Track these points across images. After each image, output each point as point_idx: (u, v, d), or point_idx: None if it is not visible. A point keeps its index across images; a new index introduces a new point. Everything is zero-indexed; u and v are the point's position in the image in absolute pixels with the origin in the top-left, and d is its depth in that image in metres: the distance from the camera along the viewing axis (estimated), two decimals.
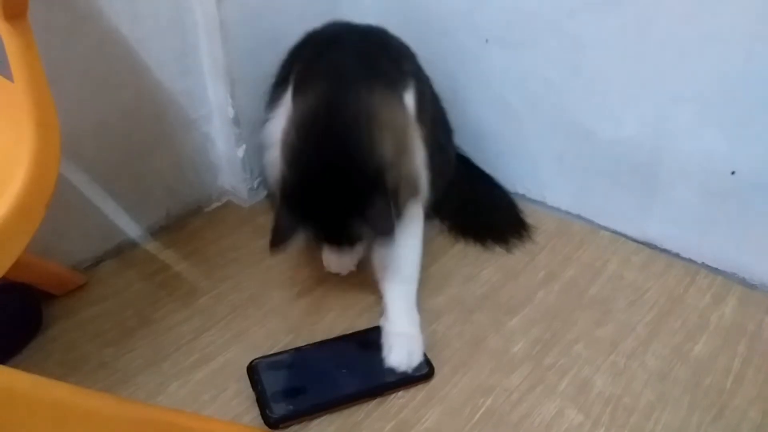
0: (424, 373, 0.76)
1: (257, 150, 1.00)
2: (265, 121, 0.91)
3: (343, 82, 0.75)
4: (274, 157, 0.82)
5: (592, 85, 0.95)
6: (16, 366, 0.78)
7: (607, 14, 0.89)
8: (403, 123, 0.79)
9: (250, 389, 0.75)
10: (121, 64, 0.89)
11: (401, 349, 0.77)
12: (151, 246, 1.00)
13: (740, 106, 0.83)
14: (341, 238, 0.76)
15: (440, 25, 1.07)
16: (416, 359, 0.77)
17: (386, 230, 0.71)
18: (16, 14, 0.41)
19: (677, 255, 0.97)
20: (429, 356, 0.79)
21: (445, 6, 1.05)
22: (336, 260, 0.91)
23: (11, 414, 0.46)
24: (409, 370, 0.76)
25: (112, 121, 0.91)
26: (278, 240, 0.72)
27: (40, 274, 0.87)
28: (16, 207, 0.44)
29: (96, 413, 0.52)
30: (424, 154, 0.83)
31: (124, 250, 0.98)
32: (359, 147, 0.71)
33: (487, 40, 1.03)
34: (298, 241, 0.75)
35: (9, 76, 0.51)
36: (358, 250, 0.82)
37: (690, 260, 0.96)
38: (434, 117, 0.94)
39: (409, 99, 0.83)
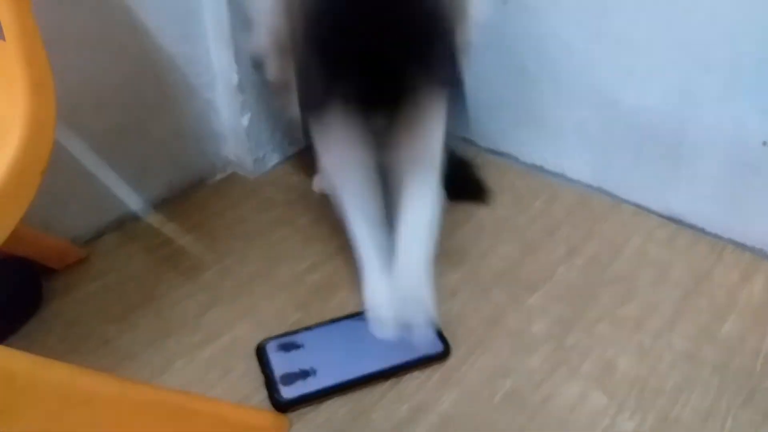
0: (439, 352, 0.73)
1: (259, 93, 0.96)
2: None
3: None
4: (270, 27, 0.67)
5: (616, 50, 0.90)
6: (16, 342, 0.76)
7: None
8: None
9: (259, 369, 0.72)
10: (120, 26, 0.84)
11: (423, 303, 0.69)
12: (154, 219, 0.96)
13: None
14: (394, 97, 0.59)
15: None
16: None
17: (452, 80, 0.58)
18: None
19: (703, 230, 0.93)
20: (445, 335, 0.75)
21: None
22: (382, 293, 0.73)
23: (11, 396, 0.42)
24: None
25: (111, 86, 0.86)
26: (314, 101, 0.55)
27: (39, 248, 0.84)
28: (10, 172, 0.41)
29: (99, 395, 0.49)
30: None
31: (125, 223, 0.95)
32: None
33: (504, 1, 0.97)
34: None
35: (0, 35, 0.47)
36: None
37: (717, 235, 0.92)
38: None
39: None
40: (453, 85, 0.58)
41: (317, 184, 0.97)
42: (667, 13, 0.83)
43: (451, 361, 0.74)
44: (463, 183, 0.95)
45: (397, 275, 0.72)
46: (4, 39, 0.45)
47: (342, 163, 0.72)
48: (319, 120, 0.56)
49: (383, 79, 0.57)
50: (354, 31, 0.53)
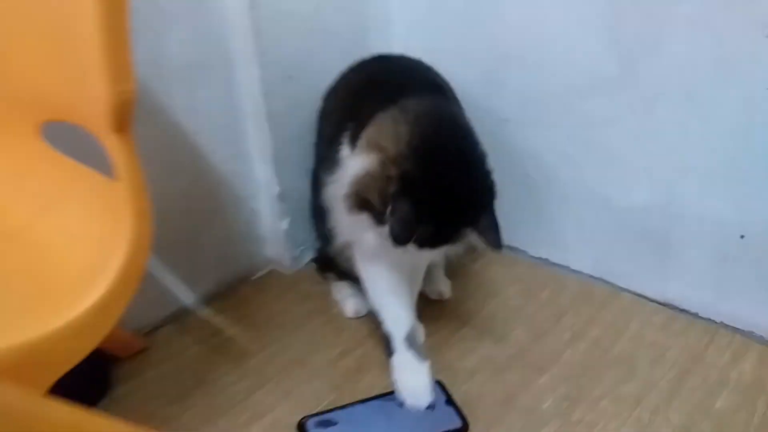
0: (458, 427, 0.82)
1: (308, 216, 1.10)
2: (324, 184, 0.90)
3: (436, 103, 0.84)
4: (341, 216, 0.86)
5: (605, 158, 1.04)
6: None
7: (615, 96, 0.99)
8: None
9: None
10: (180, 151, 1.01)
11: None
12: (204, 312, 1.09)
13: (744, 174, 0.91)
14: (443, 242, 0.78)
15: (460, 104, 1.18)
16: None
17: (497, 242, 0.77)
18: (123, 127, 0.52)
19: (696, 315, 1.02)
20: (464, 412, 0.84)
21: (463, 90, 1.16)
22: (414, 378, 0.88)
23: None
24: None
25: (172, 200, 1.01)
26: (405, 234, 0.72)
27: (108, 338, 0.96)
28: (119, 280, 0.54)
29: None
30: None
31: (180, 316, 1.08)
32: (478, 155, 0.78)
33: (506, 120, 1.13)
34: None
35: (109, 174, 0.62)
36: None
37: (709, 319, 1.01)
38: None
39: None
40: (497, 246, 0.78)
41: (350, 308, 1.05)
42: (646, 127, 0.98)
43: None
44: None
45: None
46: (112, 178, 0.60)
47: (383, 275, 0.91)
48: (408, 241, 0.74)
49: (444, 231, 0.77)
50: (435, 201, 0.74)
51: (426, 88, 0.89)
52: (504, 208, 1.19)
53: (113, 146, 0.52)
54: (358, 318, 1.04)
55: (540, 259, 1.19)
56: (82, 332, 0.54)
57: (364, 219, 0.79)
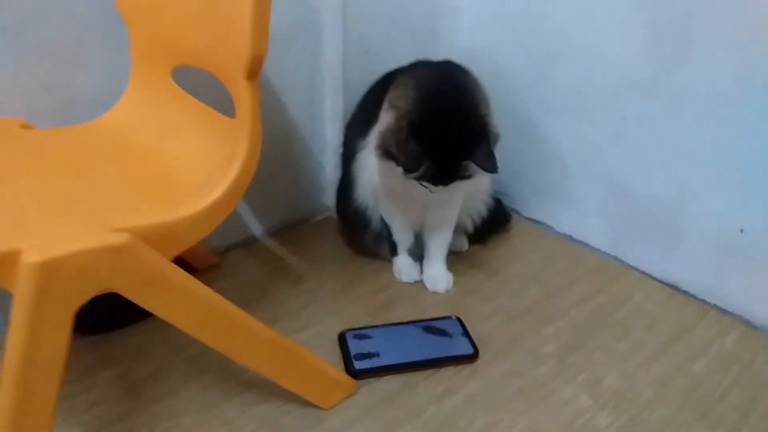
0: (470, 353, 0.99)
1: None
2: (357, 150, 1.12)
3: (444, 70, 1.05)
4: (369, 176, 1.11)
5: (631, 151, 1.18)
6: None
7: (646, 98, 1.12)
8: (485, 93, 1.03)
9: (339, 351, 1.00)
10: (267, 104, 1.20)
11: (444, 281, 1.16)
12: (269, 242, 1.29)
13: (748, 176, 1.04)
14: (451, 177, 0.96)
15: (512, 90, 1.33)
16: (450, 285, 1.16)
17: (491, 167, 0.93)
18: (253, 76, 0.70)
19: (694, 296, 1.16)
20: (476, 343, 1.01)
21: (515, 79, 1.32)
22: (406, 270, 1.18)
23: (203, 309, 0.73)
24: (445, 292, 1.15)
25: None
26: (413, 165, 0.92)
27: (192, 251, 1.16)
28: (229, 190, 0.73)
29: (252, 327, 0.79)
30: None
31: (248, 242, 1.28)
32: (470, 105, 0.97)
33: (549, 108, 1.28)
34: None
35: (227, 114, 0.80)
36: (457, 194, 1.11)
37: (704, 301, 1.15)
38: None
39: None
40: (492, 170, 0.94)
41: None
42: (669, 127, 1.11)
43: (478, 362, 1.00)
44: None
45: (429, 263, 1.19)
46: (233, 118, 0.77)
47: (399, 202, 1.14)
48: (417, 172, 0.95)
49: (448, 165, 0.95)
50: (433, 140, 0.93)
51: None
52: (537, 186, 1.36)
53: (243, 90, 0.70)
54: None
55: (564, 234, 1.34)
56: (200, 222, 0.73)
57: (389, 166, 1.00)
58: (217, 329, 0.76)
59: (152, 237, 0.68)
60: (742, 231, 1.07)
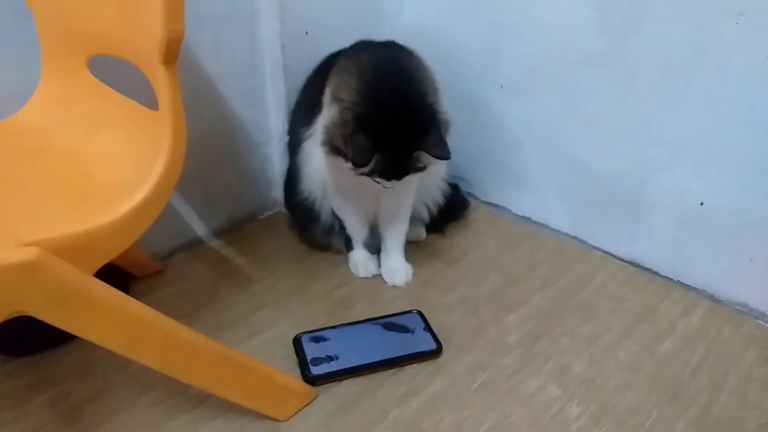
0: (433, 349, 0.94)
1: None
2: (302, 140, 1.06)
3: (388, 55, 0.98)
4: (316, 167, 1.04)
5: (587, 127, 1.15)
6: None
7: (601, 70, 1.09)
8: (433, 77, 0.98)
9: (295, 355, 0.94)
10: (203, 94, 1.11)
11: (403, 274, 1.10)
12: (215, 243, 1.21)
13: (706, 147, 1.01)
14: (404, 171, 0.91)
15: (462, 70, 1.28)
16: (409, 277, 1.11)
17: (444, 153, 0.89)
18: (171, 60, 0.62)
19: (657, 273, 1.14)
20: (439, 338, 0.96)
21: (465, 57, 1.26)
22: (363, 265, 1.12)
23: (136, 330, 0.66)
24: (404, 285, 1.10)
25: (193, 139, 1.08)
26: (363, 158, 0.87)
27: (130, 258, 1.08)
28: (157, 187, 0.65)
29: (192, 343, 0.72)
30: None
31: (193, 245, 1.20)
32: (417, 94, 0.91)
33: (501, 86, 1.23)
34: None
35: (152, 107, 0.72)
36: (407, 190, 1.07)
37: (667, 278, 1.12)
38: None
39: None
40: (444, 156, 0.89)
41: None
42: (625, 101, 1.08)
43: (442, 358, 0.95)
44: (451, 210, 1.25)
45: (386, 255, 1.13)
46: (156, 110, 0.69)
47: (351, 197, 1.08)
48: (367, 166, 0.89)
49: (399, 158, 0.90)
50: (381, 132, 0.88)
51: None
52: (493, 169, 1.31)
53: (161, 77, 0.62)
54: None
55: (523, 217, 1.30)
56: (123, 229, 0.65)
57: (337, 161, 0.93)
58: (151, 346, 0.69)
59: (67, 249, 0.60)
60: (702, 204, 1.05)
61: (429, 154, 0.89)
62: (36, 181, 0.72)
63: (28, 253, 0.56)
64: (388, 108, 0.89)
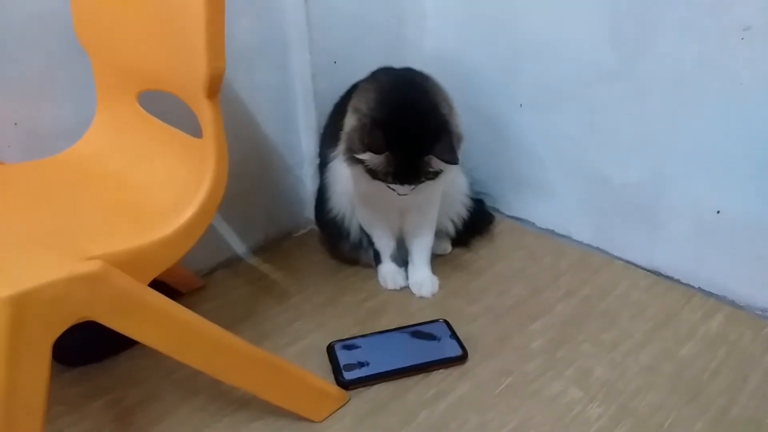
0: (459, 355, 0.99)
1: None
2: (329, 161, 1.13)
3: (405, 75, 1.06)
4: (343, 185, 1.12)
5: (605, 140, 1.19)
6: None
7: (615, 84, 1.13)
8: (447, 96, 1.04)
9: (328, 363, 1.00)
10: (241, 122, 1.20)
11: (429, 285, 1.16)
12: (253, 260, 1.29)
13: (721, 156, 1.05)
14: (416, 175, 0.96)
15: (483, 90, 1.34)
16: (435, 289, 1.16)
17: (453, 159, 0.94)
18: (213, 94, 0.70)
19: (678, 280, 1.16)
20: (465, 345, 1.01)
21: (485, 78, 1.33)
22: (392, 277, 1.18)
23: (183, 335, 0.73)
24: (431, 296, 1.15)
25: (232, 164, 1.18)
26: (377, 144, 0.92)
27: (174, 275, 1.16)
28: (199, 211, 0.72)
29: (235, 346, 0.79)
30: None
31: (232, 262, 1.28)
32: (430, 104, 0.98)
33: (521, 105, 1.29)
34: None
35: (196, 135, 0.79)
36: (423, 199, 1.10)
37: (688, 285, 1.15)
38: None
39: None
40: (453, 161, 0.95)
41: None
42: (640, 114, 1.12)
43: (467, 363, 1.00)
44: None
45: (413, 268, 1.19)
46: (200, 138, 0.77)
47: (377, 211, 1.15)
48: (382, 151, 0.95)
49: (411, 161, 0.96)
50: (394, 139, 0.94)
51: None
52: (516, 183, 1.37)
53: (204, 109, 0.70)
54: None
55: (546, 230, 1.34)
56: (172, 245, 0.73)
57: (359, 171, 1.00)
58: (199, 349, 0.76)
59: (125, 262, 0.68)
60: (718, 212, 1.08)
61: (438, 158, 0.94)
62: (95, 204, 0.81)
63: (92, 266, 0.64)
64: (402, 115, 0.96)
